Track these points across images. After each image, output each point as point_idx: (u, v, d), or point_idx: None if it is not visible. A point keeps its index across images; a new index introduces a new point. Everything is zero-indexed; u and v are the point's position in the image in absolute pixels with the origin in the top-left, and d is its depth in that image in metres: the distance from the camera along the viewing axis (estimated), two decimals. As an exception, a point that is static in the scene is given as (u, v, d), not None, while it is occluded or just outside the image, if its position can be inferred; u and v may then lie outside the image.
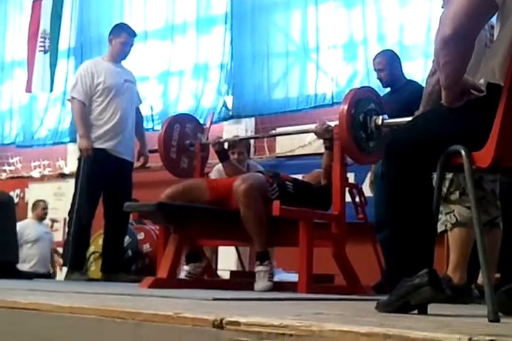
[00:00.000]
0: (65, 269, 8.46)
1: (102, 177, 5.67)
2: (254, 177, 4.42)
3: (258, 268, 4.26)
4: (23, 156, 10.09)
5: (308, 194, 4.61)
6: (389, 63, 5.42)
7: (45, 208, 8.88)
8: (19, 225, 8.70)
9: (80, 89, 5.80)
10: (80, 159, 5.86)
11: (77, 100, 5.79)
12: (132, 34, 6.04)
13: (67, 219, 5.98)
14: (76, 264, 5.77)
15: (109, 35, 6.09)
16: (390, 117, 4.56)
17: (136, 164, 6.08)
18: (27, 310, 2.18)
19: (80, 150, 5.80)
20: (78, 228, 5.70)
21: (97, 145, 5.72)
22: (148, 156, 6.08)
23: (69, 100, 6.07)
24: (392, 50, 5.83)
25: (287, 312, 2.20)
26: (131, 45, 6.04)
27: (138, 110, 6.15)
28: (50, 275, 8.61)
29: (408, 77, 5.66)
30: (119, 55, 6.00)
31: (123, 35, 5.96)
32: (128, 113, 5.88)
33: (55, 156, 9.83)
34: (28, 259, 8.51)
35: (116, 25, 6.27)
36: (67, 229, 6.13)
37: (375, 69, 5.53)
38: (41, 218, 8.86)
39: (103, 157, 5.70)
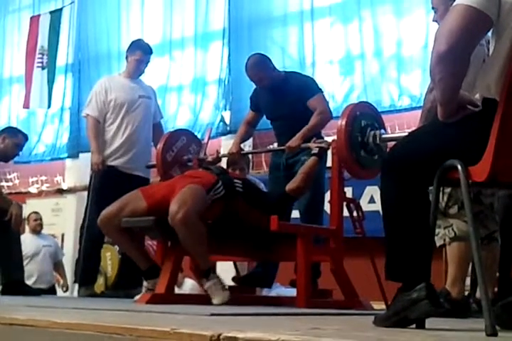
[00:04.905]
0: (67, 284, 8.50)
1: (112, 194, 5.59)
2: (191, 196, 4.10)
3: (207, 285, 4.10)
4: (21, 172, 10.09)
5: (263, 198, 4.45)
6: (262, 70, 5.13)
7: (37, 219, 8.57)
8: None
9: (95, 106, 5.77)
10: (91, 174, 5.83)
11: (91, 117, 5.75)
12: (147, 51, 5.97)
13: (78, 234, 5.91)
14: (87, 279, 5.69)
15: (127, 51, 6.05)
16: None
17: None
18: (25, 327, 2.17)
19: (92, 165, 5.75)
20: (89, 243, 5.64)
21: (108, 162, 5.67)
22: None
23: (84, 117, 6.00)
24: (256, 54, 5.38)
25: (285, 327, 2.20)
26: (147, 62, 5.97)
27: (159, 125, 6.08)
28: (54, 290, 8.45)
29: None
30: (135, 72, 5.94)
31: (137, 53, 5.90)
32: (141, 129, 5.80)
33: (53, 172, 9.84)
34: (27, 275, 8.37)
35: (133, 42, 6.19)
36: (78, 246, 6.05)
37: (251, 80, 5.27)
38: (35, 230, 8.51)
39: (113, 174, 5.65)
